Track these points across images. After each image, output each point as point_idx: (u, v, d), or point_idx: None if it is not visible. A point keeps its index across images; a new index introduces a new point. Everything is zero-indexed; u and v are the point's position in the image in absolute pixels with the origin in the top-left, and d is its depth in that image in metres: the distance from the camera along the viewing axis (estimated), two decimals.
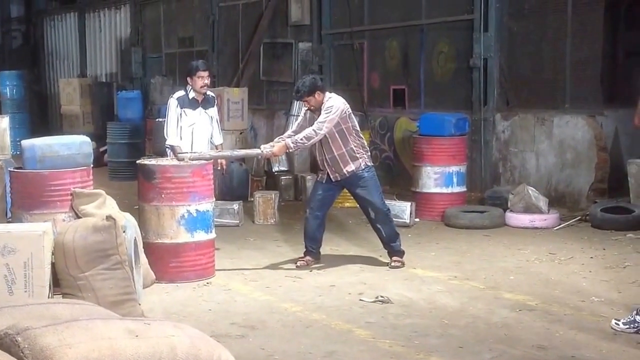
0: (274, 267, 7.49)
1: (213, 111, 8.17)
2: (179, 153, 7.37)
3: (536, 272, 7.14)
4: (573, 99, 10.22)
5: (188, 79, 7.99)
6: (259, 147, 7.34)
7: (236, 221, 9.52)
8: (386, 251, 7.50)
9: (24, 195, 6.25)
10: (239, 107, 12.62)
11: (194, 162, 6.96)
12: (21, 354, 2.65)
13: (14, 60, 22.94)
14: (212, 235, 7.10)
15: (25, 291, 5.24)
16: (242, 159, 11.59)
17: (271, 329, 5.59)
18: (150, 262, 6.69)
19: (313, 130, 7.07)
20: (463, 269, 7.27)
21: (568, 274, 7.04)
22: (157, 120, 13.95)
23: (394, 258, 7.40)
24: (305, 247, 7.50)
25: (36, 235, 5.34)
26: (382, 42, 12.66)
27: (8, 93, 20.31)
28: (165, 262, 6.83)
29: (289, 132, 7.53)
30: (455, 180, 9.80)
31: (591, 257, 7.63)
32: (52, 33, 23.18)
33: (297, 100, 8.27)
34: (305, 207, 7.82)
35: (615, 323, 5.40)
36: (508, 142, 10.68)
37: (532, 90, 10.70)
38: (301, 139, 7.10)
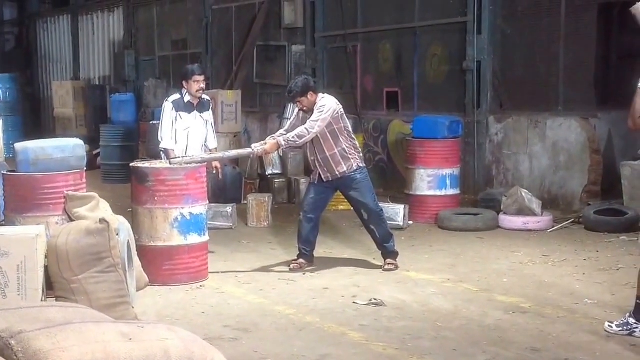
0: (267, 269, 7.48)
1: (208, 115, 8.15)
2: (172, 158, 7.36)
3: (530, 274, 7.15)
4: (566, 101, 10.25)
5: (183, 82, 7.96)
6: (251, 147, 7.34)
7: (229, 224, 9.52)
8: (380, 253, 7.50)
9: (17, 199, 6.23)
10: (233, 109, 12.63)
11: (188, 165, 6.95)
12: (15, 357, 2.65)
13: (6, 63, 22.90)
14: (206, 238, 7.09)
15: (19, 294, 5.23)
16: (236, 161, 11.59)
17: (264, 331, 5.58)
18: (144, 265, 6.68)
19: (305, 128, 7.07)
20: (456, 272, 7.28)
21: (561, 277, 7.05)
22: (150, 123, 13.93)
23: (388, 261, 7.39)
24: (299, 249, 7.50)
25: (29, 239, 5.33)
26: (376, 45, 12.68)
27: (1, 96, 20.26)
28: (159, 265, 6.82)
29: (281, 130, 7.52)
30: (448, 182, 9.81)
31: (584, 260, 7.65)
32: (45, 36, 23.16)
33: (290, 102, 8.24)
34: (299, 209, 7.81)
35: (609, 325, 5.41)
36: (501, 144, 10.70)
37: (525, 92, 10.73)
38: (293, 137, 7.09)
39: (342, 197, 11.07)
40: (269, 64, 14.66)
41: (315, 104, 7.17)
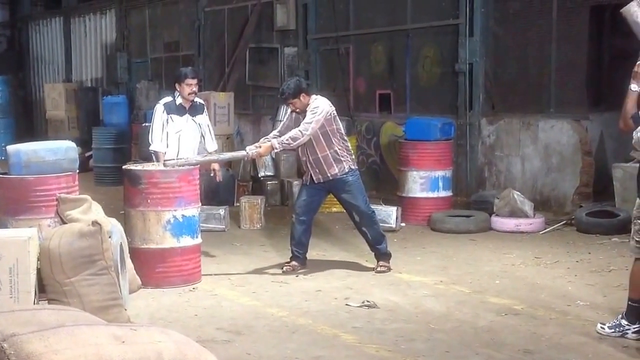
0: (260, 272, 7.48)
1: (202, 118, 8.10)
2: (166, 160, 7.35)
3: (522, 276, 7.17)
4: (558, 103, 10.27)
5: (176, 85, 7.94)
6: (245, 149, 7.33)
7: (222, 226, 9.51)
8: (373, 254, 7.50)
9: (9, 201, 6.21)
10: (225, 111, 12.62)
11: (181, 167, 6.95)
12: None
13: None
14: (198, 240, 7.09)
15: (11, 297, 5.21)
16: (229, 164, 11.58)
17: (257, 334, 5.58)
18: (136, 268, 6.67)
19: (299, 131, 7.07)
20: (449, 274, 7.29)
21: (554, 278, 7.07)
22: (143, 125, 13.92)
23: (380, 263, 7.40)
24: (292, 252, 7.50)
25: (22, 241, 5.32)
26: (368, 47, 12.69)
27: None
28: (151, 267, 6.81)
29: (274, 132, 7.51)
30: (441, 184, 9.82)
31: (577, 261, 7.67)
32: (37, 38, 23.10)
33: (283, 104, 8.23)
34: (291, 211, 7.80)
35: (601, 327, 5.43)
36: (493, 146, 10.72)
37: (517, 94, 10.75)
38: (287, 140, 7.09)
39: (335, 199, 11.09)
40: (262, 66, 14.66)
41: (308, 105, 7.18)
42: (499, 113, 10.78)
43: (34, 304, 5.26)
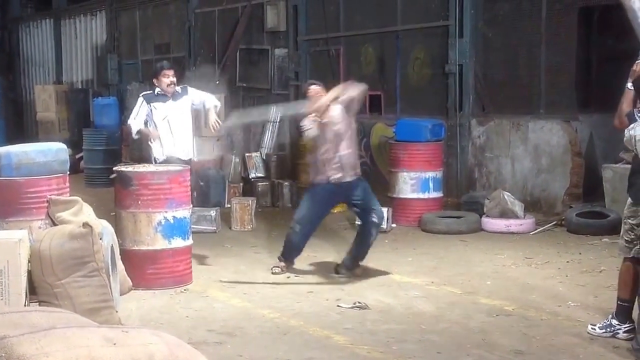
0: (251, 273, 7.48)
1: (188, 98, 8.18)
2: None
3: (513, 276, 7.19)
4: (548, 104, 10.31)
5: (154, 80, 8.09)
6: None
7: (213, 227, 9.51)
8: (348, 257, 7.41)
9: (0, 203, 6.19)
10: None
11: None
12: None
13: None
14: (189, 241, 7.09)
15: (1, 299, 5.19)
16: (220, 164, 11.58)
17: (249, 335, 5.58)
18: (127, 269, 6.67)
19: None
20: (440, 274, 7.30)
21: (544, 279, 7.09)
22: None
23: (346, 266, 7.37)
24: (284, 255, 7.45)
25: (12, 243, 5.30)
26: (358, 49, 12.71)
27: None
28: (143, 269, 6.81)
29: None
30: (431, 185, 9.84)
31: (567, 262, 7.69)
32: (27, 40, 23.05)
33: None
34: (283, 213, 7.75)
35: (592, 328, 5.45)
36: (484, 147, 10.74)
37: (507, 95, 10.79)
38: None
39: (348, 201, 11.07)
40: (252, 68, 14.66)
41: (320, 96, 7.15)
42: (489, 114, 10.81)
43: (25, 306, 5.25)
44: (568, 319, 5.86)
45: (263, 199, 11.37)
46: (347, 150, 7.10)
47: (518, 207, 9.27)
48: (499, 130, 10.55)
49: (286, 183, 11.52)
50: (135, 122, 8.06)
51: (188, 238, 7.05)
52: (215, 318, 6.00)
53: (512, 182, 10.38)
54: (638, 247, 5.21)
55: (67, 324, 2.94)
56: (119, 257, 6.54)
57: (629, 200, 5.27)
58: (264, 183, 11.64)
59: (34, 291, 5.52)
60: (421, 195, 9.81)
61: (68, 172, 6.48)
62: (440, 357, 5.12)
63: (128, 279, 6.66)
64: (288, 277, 7.27)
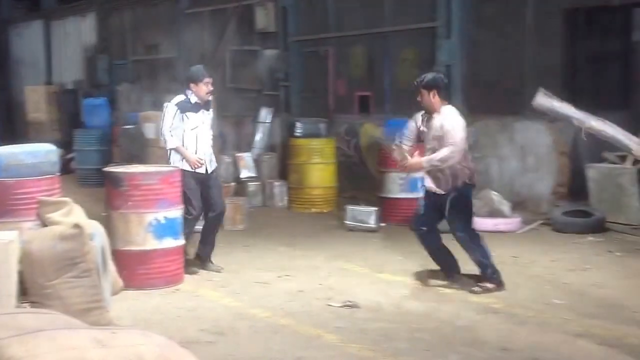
0: (242, 272, 7.50)
1: (212, 111, 7.90)
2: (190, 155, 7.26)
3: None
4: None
5: (192, 85, 7.59)
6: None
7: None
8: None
9: None
10: None
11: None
12: None
13: None
14: (181, 241, 7.12)
15: None
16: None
17: (240, 335, 5.62)
18: (118, 269, 6.64)
19: (450, 151, 6.70)
20: (430, 273, 7.32)
21: (531, 277, 7.16)
22: (123, 127, 13.94)
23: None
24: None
25: (2, 244, 5.31)
26: (348, 49, 12.76)
27: None
28: (134, 269, 6.82)
29: (404, 141, 7.04)
30: (420, 185, 9.86)
31: (553, 260, 7.76)
32: (17, 41, 22.98)
33: (414, 89, 7.17)
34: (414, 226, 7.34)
35: None
36: (471, 147, 10.77)
37: (494, 96, 10.84)
38: (437, 160, 6.71)
39: (316, 200, 11.14)
40: (242, 69, 14.67)
41: (433, 106, 6.82)
42: (476, 114, 10.86)
43: (16, 307, 5.26)
44: (554, 317, 5.93)
45: (254, 198, 11.40)
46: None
47: (505, 207, 9.34)
48: (486, 131, 10.61)
49: (277, 183, 11.56)
50: (173, 139, 7.53)
51: (179, 238, 7.08)
52: (207, 318, 6.02)
53: (499, 182, 10.43)
54: None
55: (56, 326, 2.94)
56: (110, 257, 6.54)
57: None
58: (255, 183, 11.67)
59: (24, 292, 5.52)
60: (410, 195, 9.82)
61: (58, 173, 6.47)
62: (429, 354, 5.17)
63: (119, 279, 6.65)
64: (279, 277, 7.31)
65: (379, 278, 7.23)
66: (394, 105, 11.92)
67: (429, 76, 6.89)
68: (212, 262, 7.65)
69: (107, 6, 18.81)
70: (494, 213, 9.27)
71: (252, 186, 11.57)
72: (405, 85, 11.77)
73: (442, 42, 10.85)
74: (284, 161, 12.17)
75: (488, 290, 6.63)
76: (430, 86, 6.80)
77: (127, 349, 2.83)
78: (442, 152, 6.66)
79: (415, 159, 6.85)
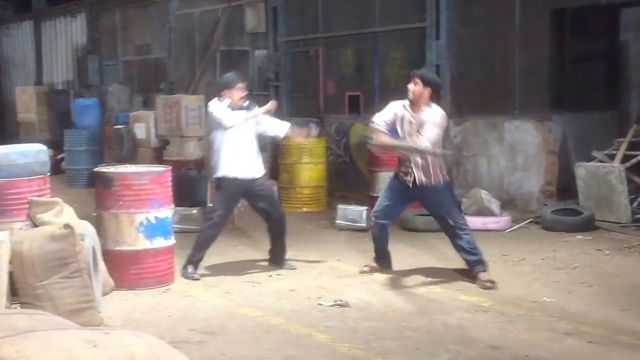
0: (233, 272, 7.52)
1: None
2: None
3: (489, 273, 7.26)
4: (522, 104, 10.46)
5: (226, 91, 7.48)
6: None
7: (196, 227, 9.51)
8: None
9: None
10: (196, 114, 12.64)
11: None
12: None
13: None
14: (172, 241, 7.13)
15: None
16: (202, 164, 11.61)
17: (231, 334, 5.63)
18: (109, 270, 6.67)
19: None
20: (419, 272, 7.37)
21: (520, 275, 7.20)
22: (114, 127, 13.93)
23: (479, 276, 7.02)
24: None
25: None
26: (337, 50, 12.79)
27: None
28: (125, 269, 6.83)
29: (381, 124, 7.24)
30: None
31: (542, 259, 7.80)
32: (7, 41, 22.93)
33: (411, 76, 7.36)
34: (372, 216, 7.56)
35: None
36: (460, 146, 10.84)
37: (483, 96, 10.91)
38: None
39: (307, 200, 11.15)
40: (233, 69, 14.64)
41: (422, 99, 6.98)
42: (465, 114, 10.92)
43: (6, 307, 5.27)
44: (543, 315, 5.97)
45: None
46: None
47: (495, 205, 9.39)
48: (475, 130, 10.66)
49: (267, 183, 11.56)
50: (230, 117, 7.34)
51: (170, 238, 7.10)
52: (198, 317, 6.04)
53: (489, 181, 10.49)
54: None
55: (47, 327, 2.93)
56: (101, 257, 6.56)
57: None
58: None
59: (15, 293, 5.52)
60: None
61: (48, 174, 6.48)
62: (419, 353, 5.19)
63: (110, 279, 6.67)
64: (270, 276, 7.33)
65: (369, 277, 7.26)
66: (383, 105, 11.86)
67: (431, 74, 7.14)
68: (286, 261, 7.68)
69: (97, 7, 18.79)
70: (484, 212, 9.31)
71: None
72: (395, 85, 11.83)
73: (431, 43, 10.90)
74: (274, 161, 12.18)
75: (491, 281, 6.84)
76: (430, 82, 7.01)
77: (119, 349, 2.82)
78: (420, 143, 6.90)
79: (386, 138, 7.10)
